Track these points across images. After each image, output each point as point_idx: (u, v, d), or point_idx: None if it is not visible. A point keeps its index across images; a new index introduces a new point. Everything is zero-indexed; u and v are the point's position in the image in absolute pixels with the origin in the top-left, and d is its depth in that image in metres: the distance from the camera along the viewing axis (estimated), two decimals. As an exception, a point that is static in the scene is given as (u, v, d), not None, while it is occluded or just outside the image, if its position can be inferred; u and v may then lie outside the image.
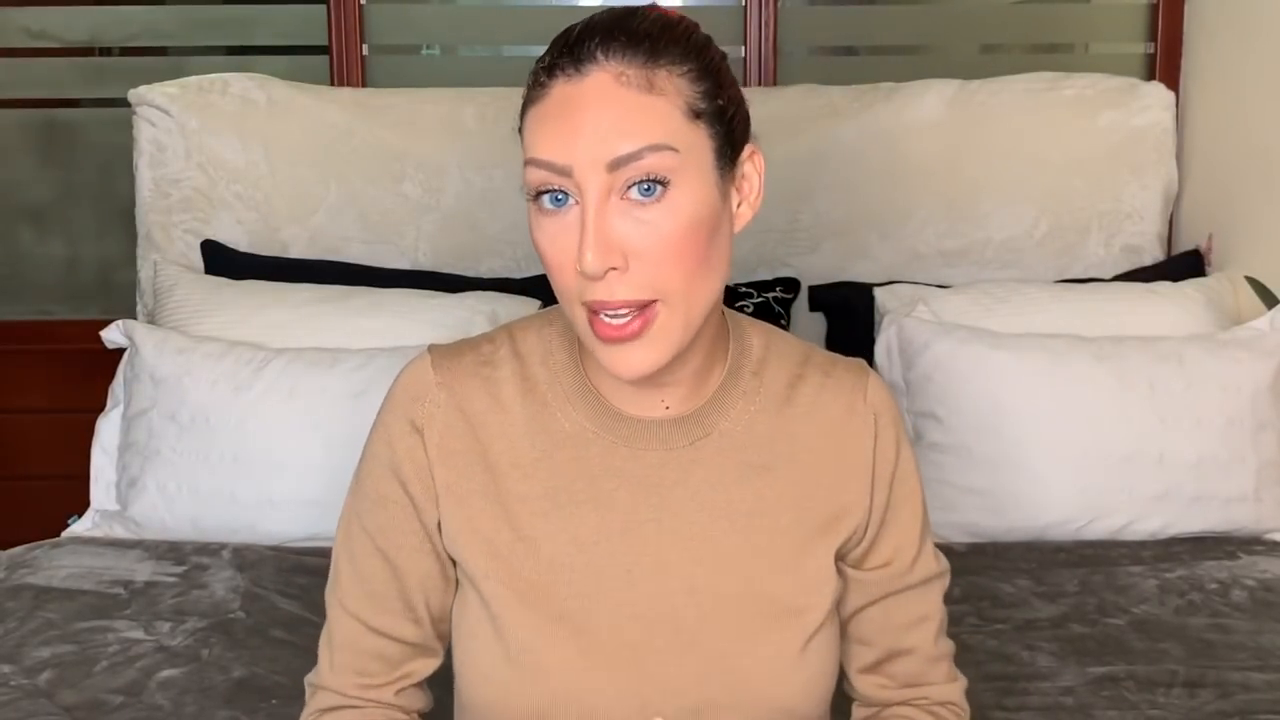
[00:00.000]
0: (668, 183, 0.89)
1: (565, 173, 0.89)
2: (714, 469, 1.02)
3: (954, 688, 1.12)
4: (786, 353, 1.07)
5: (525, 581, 0.99)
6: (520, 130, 0.94)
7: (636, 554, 1.00)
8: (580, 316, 0.93)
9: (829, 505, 1.04)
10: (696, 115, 0.91)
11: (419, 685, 1.07)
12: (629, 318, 0.90)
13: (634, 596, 0.99)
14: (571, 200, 0.90)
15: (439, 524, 1.02)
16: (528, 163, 0.91)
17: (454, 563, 1.03)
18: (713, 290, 0.95)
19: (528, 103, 0.93)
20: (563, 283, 0.93)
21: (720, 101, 0.93)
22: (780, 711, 1.01)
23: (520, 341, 1.05)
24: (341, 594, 1.05)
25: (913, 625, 1.09)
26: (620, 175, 0.89)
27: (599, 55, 0.89)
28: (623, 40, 0.90)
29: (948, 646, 1.12)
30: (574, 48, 0.90)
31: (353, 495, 1.05)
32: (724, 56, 0.96)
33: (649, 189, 0.89)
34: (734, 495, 1.02)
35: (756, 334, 1.07)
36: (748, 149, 0.97)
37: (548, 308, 1.08)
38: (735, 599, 1.00)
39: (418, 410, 1.02)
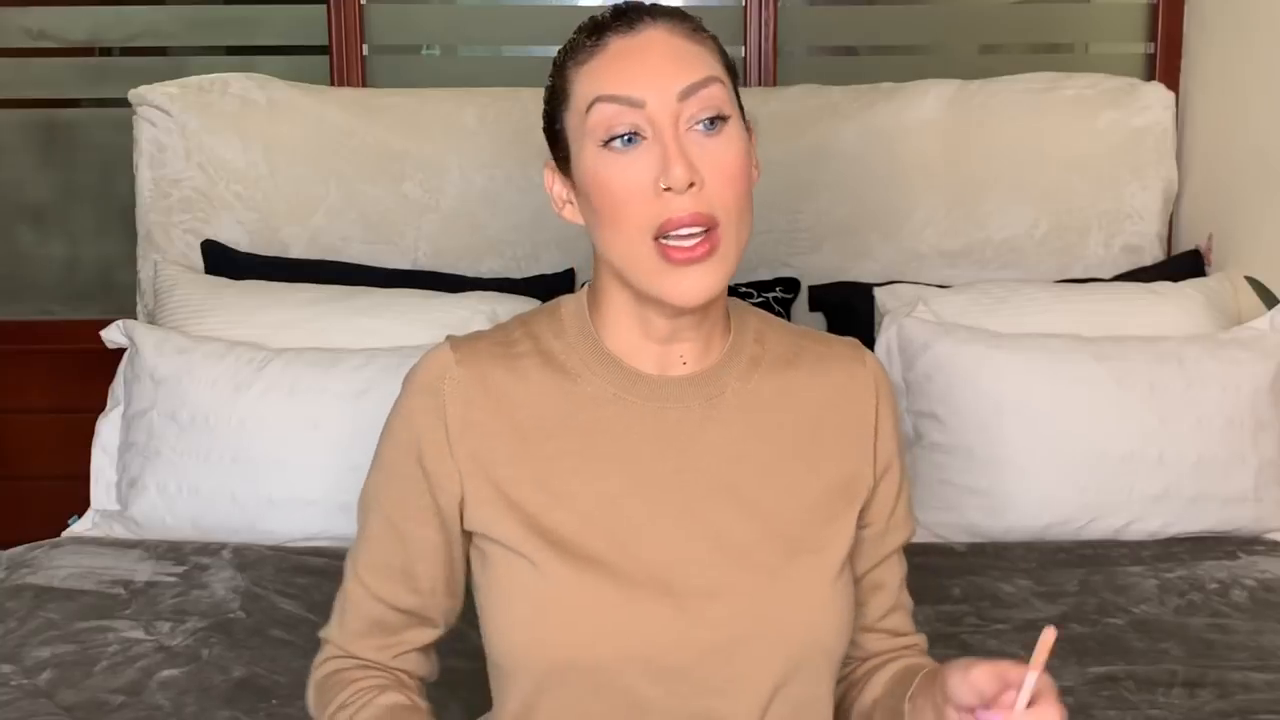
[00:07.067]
0: (727, 118, 0.99)
1: (638, 104, 0.97)
2: (730, 425, 1.07)
3: (922, 636, 1.20)
4: (779, 327, 1.15)
5: (558, 535, 1.03)
6: (561, 90, 1.02)
7: (663, 503, 1.04)
8: (645, 249, 0.98)
9: (840, 464, 1.09)
10: (730, 74, 1.03)
11: (420, 650, 1.12)
12: (699, 239, 0.97)
13: (663, 542, 1.03)
14: (641, 139, 0.97)
15: (461, 499, 1.05)
16: (597, 100, 0.98)
17: (469, 536, 1.07)
18: (749, 228, 1.02)
19: (575, 63, 1.01)
20: (631, 215, 0.98)
21: (737, 87, 1.04)
22: (808, 646, 1.05)
23: (533, 324, 1.11)
24: (355, 559, 1.12)
25: (902, 584, 1.17)
26: (687, 106, 0.97)
27: (647, 18, 1.00)
28: (669, 13, 1.02)
29: (910, 600, 1.21)
30: (622, 15, 1.01)
31: (371, 470, 1.11)
32: None
33: (712, 123, 0.98)
34: (750, 448, 1.07)
35: (748, 310, 1.14)
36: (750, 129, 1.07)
37: (549, 301, 1.13)
38: (758, 541, 1.05)
39: (440, 387, 1.06)
